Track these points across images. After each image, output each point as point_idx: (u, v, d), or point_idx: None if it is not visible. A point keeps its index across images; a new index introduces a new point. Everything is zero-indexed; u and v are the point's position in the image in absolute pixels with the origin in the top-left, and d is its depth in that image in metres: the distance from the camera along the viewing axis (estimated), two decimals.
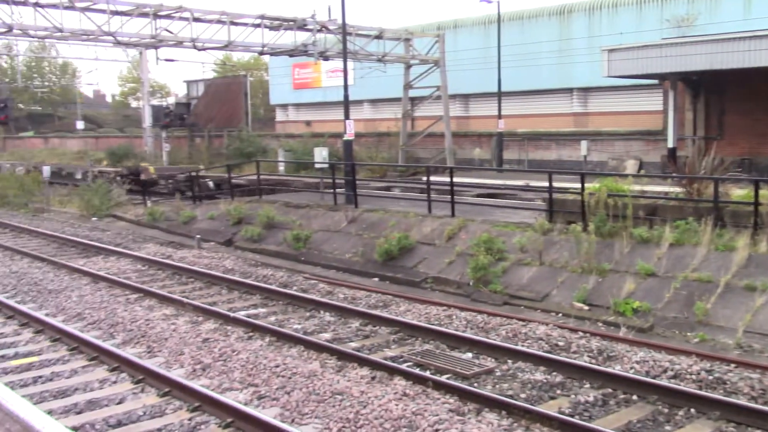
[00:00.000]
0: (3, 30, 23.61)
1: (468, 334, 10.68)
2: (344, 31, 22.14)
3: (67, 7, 23.61)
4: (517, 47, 35.54)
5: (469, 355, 9.99)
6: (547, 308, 12.62)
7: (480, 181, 27.37)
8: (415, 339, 10.77)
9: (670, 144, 26.46)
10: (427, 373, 9.08)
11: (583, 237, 13.62)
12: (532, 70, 35.87)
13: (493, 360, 9.72)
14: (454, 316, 11.81)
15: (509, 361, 9.63)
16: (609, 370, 9.04)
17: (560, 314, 12.22)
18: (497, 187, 25.47)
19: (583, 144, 31.74)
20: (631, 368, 9.20)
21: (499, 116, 33.62)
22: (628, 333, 10.96)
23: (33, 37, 26.21)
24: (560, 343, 10.26)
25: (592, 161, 32.35)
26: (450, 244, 15.84)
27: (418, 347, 10.34)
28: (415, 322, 11.34)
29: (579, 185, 14.87)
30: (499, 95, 33.58)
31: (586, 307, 12.28)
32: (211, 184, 30.50)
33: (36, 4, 23.09)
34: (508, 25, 37.26)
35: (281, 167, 36.19)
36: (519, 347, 10.01)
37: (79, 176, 38.72)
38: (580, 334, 10.75)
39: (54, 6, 23.51)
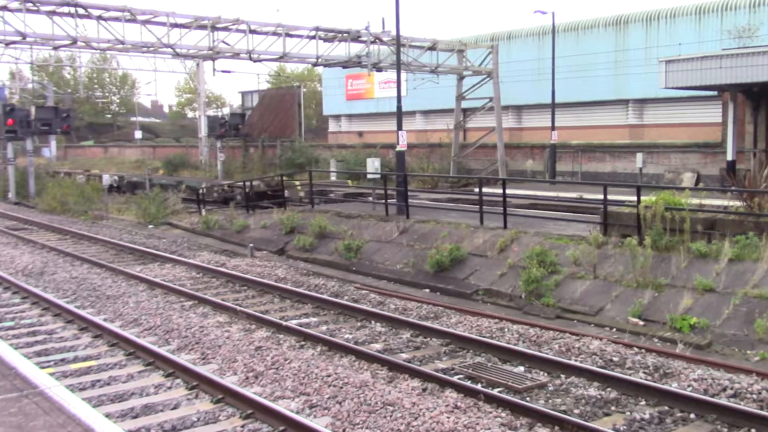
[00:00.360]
0: (68, 42, 24.36)
1: (520, 348, 10.58)
2: (398, 42, 22.25)
3: (128, 20, 24.24)
4: (572, 58, 35.24)
5: (521, 368, 9.89)
6: (601, 323, 12.43)
7: (532, 192, 27.11)
8: (467, 351, 10.70)
9: (730, 157, 25.87)
10: (479, 386, 9.02)
11: (638, 251, 13.37)
12: (586, 81, 35.52)
13: (545, 374, 9.61)
14: (505, 329, 11.71)
15: (562, 375, 9.50)
16: (665, 387, 8.85)
17: (614, 329, 12.01)
18: (550, 199, 25.18)
19: (639, 156, 31.24)
20: (689, 386, 8.99)
21: (553, 128, 33.32)
22: (685, 350, 10.72)
23: (96, 49, 26.97)
24: (615, 359, 10.09)
25: (647, 174, 31.80)
26: (502, 256, 15.72)
27: (470, 360, 10.28)
28: (466, 334, 11.27)
29: (634, 198, 14.64)
30: (553, 106, 33.30)
31: (642, 323, 12.05)
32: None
33: (99, 18, 23.76)
34: (563, 36, 36.97)
35: (333, 177, 36.48)
36: (572, 362, 9.87)
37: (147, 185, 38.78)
38: (636, 349, 10.56)
39: (116, 19, 24.17)
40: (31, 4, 22.41)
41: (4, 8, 22.27)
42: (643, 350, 10.53)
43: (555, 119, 33.53)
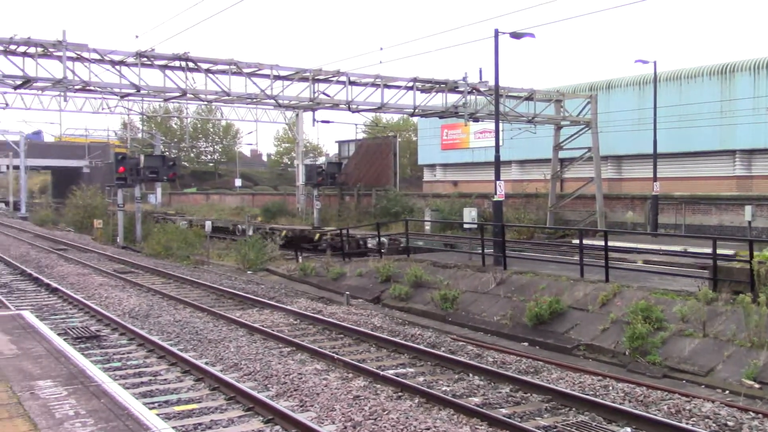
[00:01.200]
0: (177, 94, 25.56)
1: (626, 407, 10.13)
2: (497, 93, 22.28)
3: (234, 73, 25.25)
4: (674, 108, 34.36)
5: (628, 429, 9.46)
6: (712, 384, 11.80)
7: (633, 245, 26.30)
8: (569, 409, 10.33)
9: None
10: None
11: (752, 308, 12.70)
12: (690, 131, 34.50)
13: None
14: (610, 387, 11.27)
15: None
16: None
17: (727, 391, 11.39)
18: (653, 252, 24.35)
19: (748, 209, 29.85)
20: None
21: (655, 178, 32.39)
22: None
23: (203, 100, 28.14)
24: (729, 423, 9.53)
25: (756, 227, 30.33)
26: (604, 310, 15.24)
27: (573, 418, 9.91)
28: (568, 390, 10.90)
29: (738, 251, 13.97)
30: (655, 157, 32.43)
31: (758, 385, 11.37)
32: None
33: (207, 71, 24.86)
34: (665, 85, 36.17)
35: (427, 226, 36.48)
36: (684, 425, 9.36)
37: (250, 232, 39.58)
38: (752, 414, 9.95)
39: (223, 72, 25.22)
40: (145, 59, 23.67)
41: (122, 63, 23.59)
42: (760, 415, 9.91)
43: (657, 170, 32.62)
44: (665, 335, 13.44)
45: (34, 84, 23.17)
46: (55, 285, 21.78)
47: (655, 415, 9.90)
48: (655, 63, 32.96)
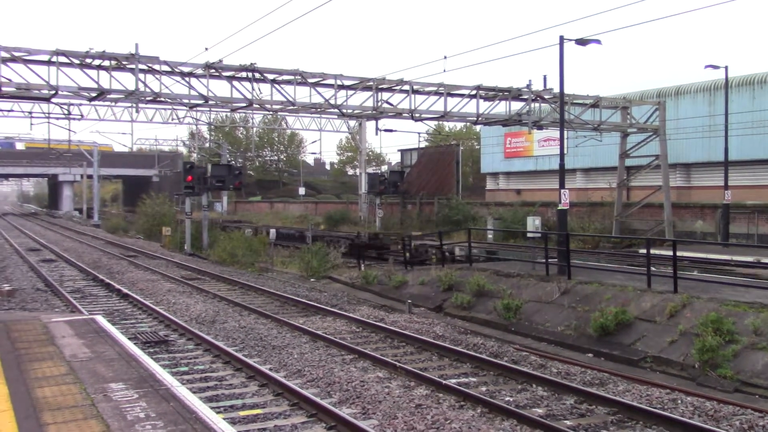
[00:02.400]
0: (244, 104, 26.08)
1: (696, 422, 9.87)
2: (561, 100, 22.04)
3: (299, 83, 25.64)
4: (747, 114, 33.37)
5: None
6: None
7: (703, 255, 25.61)
8: (636, 422, 10.12)
9: None
10: None
11: None
12: (764, 137, 33.48)
13: None
14: (678, 401, 11.00)
15: None
16: None
17: None
18: (724, 263, 23.67)
19: None
20: None
21: (726, 187, 31.46)
22: None
23: (268, 110, 28.60)
24: None
25: None
26: (672, 322, 14.88)
27: None
28: (635, 403, 10.67)
29: None
30: (726, 164, 31.51)
31: None
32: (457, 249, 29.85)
33: (273, 81, 25.29)
34: (737, 90, 35.20)
35: (490, 235, 36.25)
36: None
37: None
38: None
39: (288, 82, 25.63)
40: (214, 71, 24.24)
41: (191, 74, 24.21)
42: None
43: (728, 178, 31.70)
44: (737, 348, 13.04)
45: (108, 96, 23.94)
46: (125, 291, 22.42)
47: (726, 430, 9.62)
48: (726, 68, 32.06)
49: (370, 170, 60.95)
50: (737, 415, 10.24)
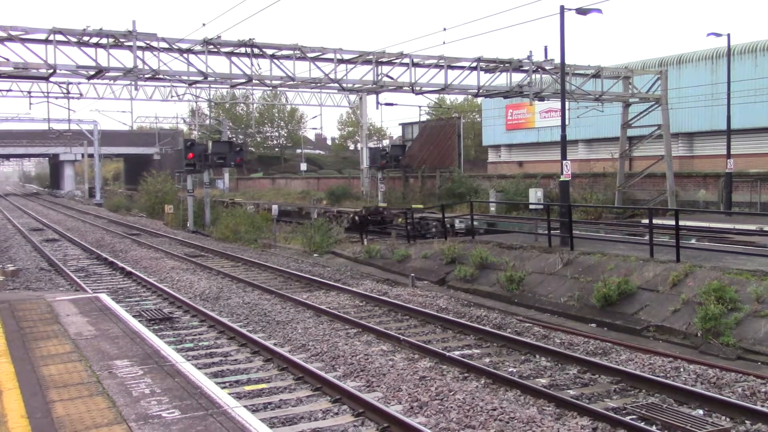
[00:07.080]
0: (243, 80, 25.94)
1: (698, 389, 9.92)
2: (562, 70, 21.88)
3: (299, 58, 25.50)
4: (750, 82, 33.15)
5: (700, 412, 9.26)
6: None
7: (706, 224, 25.59)
8: (639, 391, 10.18)
9: None
10: (654, 429, 8.53)
11: None
12: (766, 105, 33.22)
13: (728, 419, 8.94)
14: (681, 369, 11.04)
15: (747, 422, 8.80)
16: None
17: None
18: (726, 231, 23.65)
19: None
20: None
21: (728, 155, 31.35)
22: None
23: (268, 86, 28.49)
24: None
25: None
26: (675, 291, 14.90)
27: (642, 400, 9.76)
28: (638, 372, 10.72)
29: None
30: (728, 133, 31.35)
31: None
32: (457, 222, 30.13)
33: (272, 56, 25.15)
34: (739, 58, 34.95)
35: (492, 208, 36.23)
36: (759, 407, 9.12)
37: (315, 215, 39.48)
38: None
39: (288, 57, 25.48)
40: (212, 47, 24.08)
41: (189, 51, 24.06)
42: None
43: (731, 146, 31.58)
44: (739, 316, 13.07)
45: (106, 74, 23.82)
46: (129, 269, 22.49)
47: (729, 397, 9.67)
48: (728, 35, 31.78)
49: (371, 145, 60.77)
50: (739, 382, 10.29)
